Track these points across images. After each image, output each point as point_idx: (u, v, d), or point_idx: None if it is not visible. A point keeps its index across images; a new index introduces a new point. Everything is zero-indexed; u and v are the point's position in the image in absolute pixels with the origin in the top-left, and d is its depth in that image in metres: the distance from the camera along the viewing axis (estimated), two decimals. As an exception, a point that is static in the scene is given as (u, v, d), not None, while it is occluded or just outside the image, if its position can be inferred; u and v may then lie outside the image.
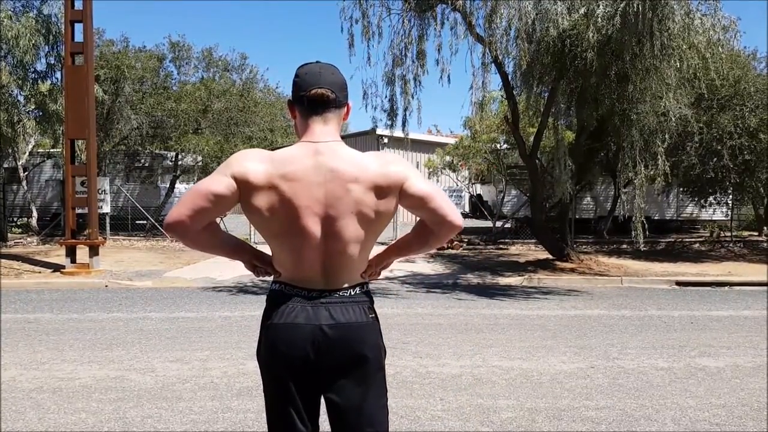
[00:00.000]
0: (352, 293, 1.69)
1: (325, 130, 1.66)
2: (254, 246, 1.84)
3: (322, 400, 1.71)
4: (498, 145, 16.01)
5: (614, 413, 3.76)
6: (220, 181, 1.58)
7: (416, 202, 1.65)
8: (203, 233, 1.65)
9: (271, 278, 1.77)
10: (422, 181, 1.66)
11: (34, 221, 15.63)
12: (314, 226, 1.60)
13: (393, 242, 1.90)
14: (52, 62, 12.48)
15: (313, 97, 1.65)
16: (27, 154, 16.15)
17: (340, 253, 1.64)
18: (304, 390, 1.66)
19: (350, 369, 1.65)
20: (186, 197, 1.60)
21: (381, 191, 1.62)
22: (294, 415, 1.66)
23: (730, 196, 14.36)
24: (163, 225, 1.63)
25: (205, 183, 1.60)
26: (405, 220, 14.98)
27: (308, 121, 1.67)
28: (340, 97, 1.68)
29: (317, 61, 1.72)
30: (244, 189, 1.58)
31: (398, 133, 10.99)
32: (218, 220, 1.85)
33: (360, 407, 1.67)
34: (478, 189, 20.76)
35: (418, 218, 1.75)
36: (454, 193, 16.92)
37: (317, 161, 1.61)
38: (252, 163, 1.59)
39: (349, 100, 1.74)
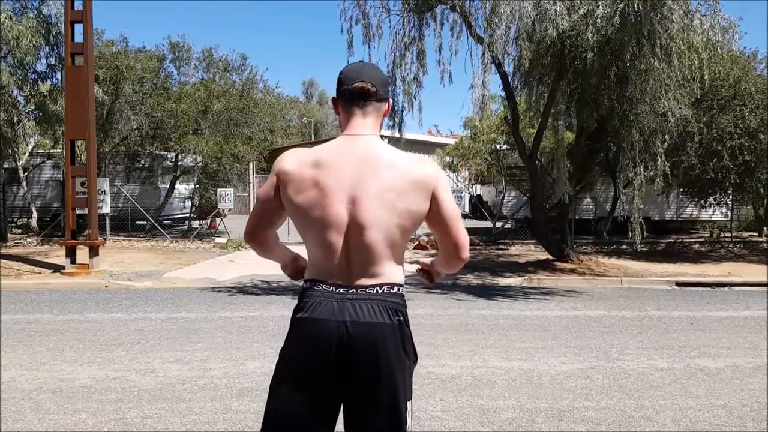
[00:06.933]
0: (380, 291, 1.65)
1: (364, 122, 1.73)
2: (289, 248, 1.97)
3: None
4: (498, 146, 16.01)
5: (614, 414, 3.76)
6: (267, 183, 1.75)
7: (440, 220, 1.72)
8: (270, 236, 1.84)
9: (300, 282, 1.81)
10: (450, 196, 1.74)
11: (34, 222, 15.64)
12: (340, 210, 1.63)
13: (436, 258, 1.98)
14: (53, 63, 12.50)
15: (355, 90, 1.72)
16: (27, 154, 16.16)
17: (364, 240, 1.63)
18: (323, 387, 1.65)
19: (368, 368, 1.62)
20: (253, 211, 1.82)
21: (413, 185, 1.66)
22: (306, 409, 1.64)
23: (730, 197, 14.34)
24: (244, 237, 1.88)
25: (260, 190, 1.78)
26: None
27: (349, 113, 1.74)
28: (381, 92, 1.75)
29: (360, 61, 1.84)
30: (283, 180, 1.69)
31: (398, 134, 11.01)
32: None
33: (372, 406, 1.65)
34: (478, 189, 20.76)
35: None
36: (454, 194, 16.84)
37: (350, 147, 1.69)
38: (290, 156, 1.72)
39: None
